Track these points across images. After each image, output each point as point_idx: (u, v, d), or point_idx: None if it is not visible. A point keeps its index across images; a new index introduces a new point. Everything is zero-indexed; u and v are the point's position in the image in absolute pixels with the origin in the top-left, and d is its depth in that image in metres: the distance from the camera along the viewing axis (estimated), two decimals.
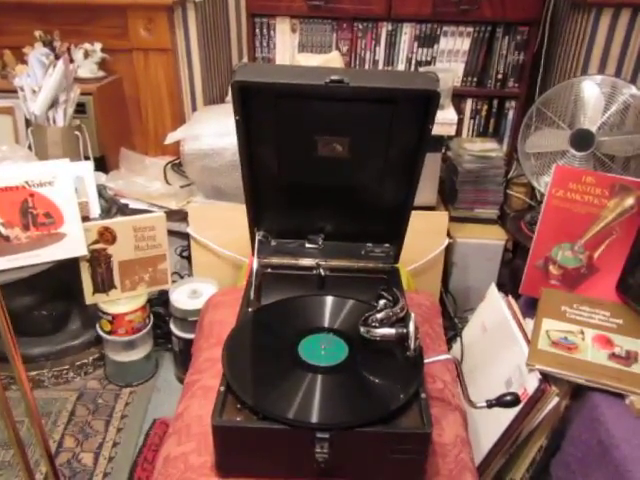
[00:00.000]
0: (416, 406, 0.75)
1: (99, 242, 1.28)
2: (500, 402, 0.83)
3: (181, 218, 1.54)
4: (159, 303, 1.59)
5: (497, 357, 1.20)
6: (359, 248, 1.08)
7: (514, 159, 1.83)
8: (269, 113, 0.87)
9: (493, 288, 1.34)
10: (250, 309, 0.93)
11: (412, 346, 0.79)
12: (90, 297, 1.33)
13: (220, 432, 0.72)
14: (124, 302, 1.36)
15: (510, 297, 1.32)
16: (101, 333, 1.38)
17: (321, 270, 1.04)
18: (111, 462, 1.25)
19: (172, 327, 1.41)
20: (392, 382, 0.78)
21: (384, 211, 1.02)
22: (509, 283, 1.61)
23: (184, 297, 1.39)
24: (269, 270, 1.06)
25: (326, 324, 0.89)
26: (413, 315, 0.81)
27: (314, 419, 0.71)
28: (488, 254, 1.64)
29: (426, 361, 0.81)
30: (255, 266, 1.03)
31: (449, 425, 0.86)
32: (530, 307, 1.32)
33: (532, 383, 1.06)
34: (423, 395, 0.76)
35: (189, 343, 1.32)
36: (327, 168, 0.94)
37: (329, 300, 0.94)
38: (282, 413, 0.71)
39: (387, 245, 1.08)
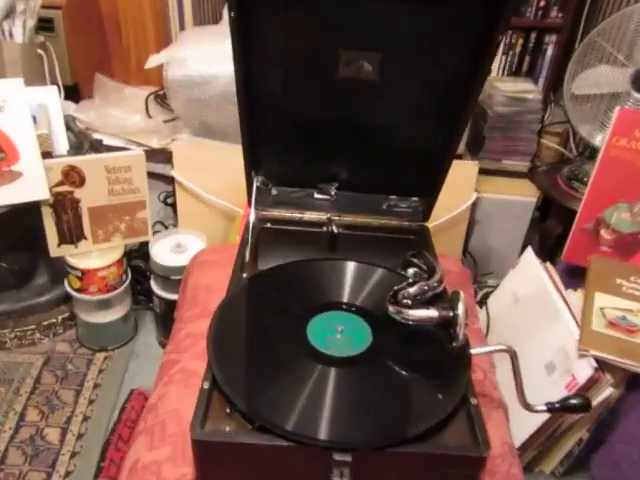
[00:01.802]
0: (464, 415, 0.57)
1: (64, 184, 1.07)
2: (565, 407, 0.65)
3: (165, 159, 1.32)
4: (139, 255, 1.39)
5: (534, 335, 1.02)
6: (380, 201, 0.88)
7: (549, 103, 1.59)
8: (276, 15, 0.65)
9: (529, 253, 1.14)
10: (244, 275, 0.74)
11: (460, 335, 0.59)
12: (55, 249, 1.12)
13: (202, 448, 0.53)
14: (96, 256, 1.16)
15: (549, 264, 1.13)
16: (70, 291, 1.18)
17: (333, 227, 0.84)
18: (80, 439, 1.08)
19: (153, 286, 1.22)
20: (433, 382, 0.59)
21: (417, 156, 0.81)
22: (538, 247, 1.42)
23: (166, 252, 1.19)
24: (268, 225, 0.86)
25: (344, 298, 0.69)
26: (462, 294, 0.61)
27: (330, 435, 0.52)
28: (516, 212, 1.44)
29: (473, 351, 0.63)
30: (252, 219, 0.82)
31: (494, 429, 0.68)
32: (570, 277, 1.14)
33: (584, 371, 0.88)
34: (474, 401, 0.57)
35: (172, 305, 1.12)
36: (348, 95, 0.73)
37: (348, 266, 0.74)
38: (285, 424, 0.52)
39: (415, 199, 0.88)
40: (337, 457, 0.51)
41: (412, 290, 0.66)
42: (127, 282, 1.22)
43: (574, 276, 1.15)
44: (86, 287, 1.16)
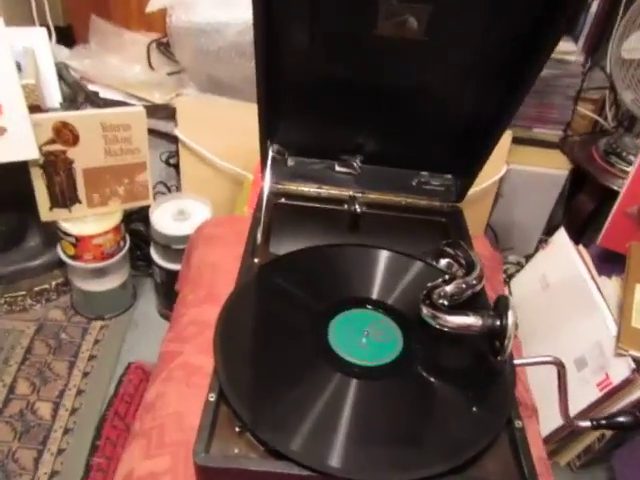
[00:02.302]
0: (506, 439, 0.49)
1: (56, 142, 0.97)
2: (612, 424, 0.58)
3: (168, 115, 1.20)
4: (140, 218, 1.30)
5: (565, 326, 0.94)
6: (410, 177, 0.78)
7: (588, 66, 1.46)
8: None
9: (562, 234, 1.05)
10: (256, 261, 0.65)
11: (508, 348, 0.51)
12: (46, 213, 1.03)
13: (206, 474, 0.46)
14: (92, 221, 1.07)
15: (582, 247, 1.04)
16: (64, 257, 1.10)
17: (356, 205, 0.74)
18: (74, 415, 1.02)
19: (153, 254, 1.13)
20: (474, 401, 0.51)
21: (458, 130, 0.71)
22: (566, 224, 1.32)
23: (168, 219, 1.10)
24: (283, 200, 0.76)
25: (373, 294, 0.60)
26: (511, 300, 0.53)
27: (354, 466, 0.44)
28: (544, 186, 1.34)
29: (517, 362, 0.55)
30: (265, 194, 0.73)
31: (530, 443, 0.61)
32: (605, 262, 1.05)
33: (620, 371, 0.81)
34: (518, 423, 0.50)
35: (173, 275, 1.05)
36: (386, 56, 0.62)
37: (380, 256, 0.65)
38: (300, 450, 0.45)
39: (449, 176, 0.78)
40: None
41: (449, 289, 0.58)
42: (125, 249, 1.14)
43: (608, 261, 1.06)
44: (80, 254, 1.07)
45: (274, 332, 0.56)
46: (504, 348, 0.51)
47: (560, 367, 0.55)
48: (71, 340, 1.15)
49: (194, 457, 0.44)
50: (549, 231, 1.47)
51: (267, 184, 0.72)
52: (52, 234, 1.14)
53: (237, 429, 0.47)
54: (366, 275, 0.62)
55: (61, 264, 1.20)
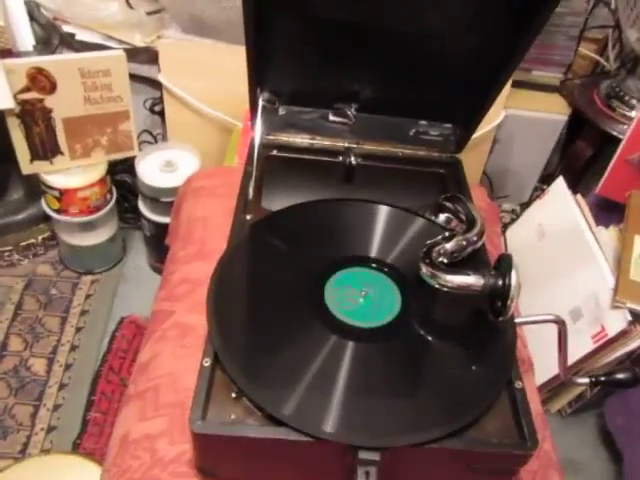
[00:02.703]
0: (507, 401, 0.48)
1: (31, 90, 0.91)
2: (611, 381, 0.57)
3: (150, 59, 1.14)
4: (125, 169, 1.25)
5: (561, 276, 0.94)
6: (408, 127, 0.74)
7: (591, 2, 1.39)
8: None
9: (560, 183, 1.03)
10: (248, 217, 0.62)
11: (510, 310, 0.50)
12: (27, 165, 0.99)
13: (203, 441, 0.45)
14: (75, 173, 1.03)
15: (580, 197, 1.02)
16: (48, 211, 1.06)
17: (351, 157, 0.71)
18: (68, 370, 1.02)
19: (140, 207, 1.10)
20: (475, 361, 0.50)
21: (460, 74, 0.67)
22: (562, 171, 1.29)
23: (155, 170, 1.06)
24: (274, 152, 0.73)
25: (372, 252, 0.58)
26: (514, 260, 0.51)
27: (356, 430, 0.44)
28: (542, 131, 1.30)
29: (518, 321, 0.54)
30: (256, 145, 0.69)
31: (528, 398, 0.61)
32: (603, 211, 1.03)
33: (616, 323, 0.81)
34: (519, 384, 0.49)
35: (163, 228, 1.02)
36: None
37: (378, 211, 0.63)
38: (298, 416, 0.44)
39: (449, 126, 0.74)
40: (363, 456, 0.43)
41: (449, 246, 0.56)
42: (112, 202, 1.10)
43: (606, 210, 1.05)
44: (66, 208, 1.04)
45: (268, 294, 0.54)
46: (506, 309, 0.49)
47: (561, 325, 0.54)
48: (62, 295, 1.13)
49: (190, 425, 0.43)
50: (545, 179, 1.44)
51: (258, 135, 0.68)
52: (36, 187, 1.10)
53: (233, 395, 0.46)
54: (364, 232, 0.60)
55: (47, 218, 1.16)
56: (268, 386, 0.46)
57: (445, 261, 0.55)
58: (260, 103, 0.69)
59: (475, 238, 0.58)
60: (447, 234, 0.57)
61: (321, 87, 0.71)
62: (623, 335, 0.81)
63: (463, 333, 0.52)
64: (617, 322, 0.80)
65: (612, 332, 0.80)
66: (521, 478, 0.51)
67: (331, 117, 0.74)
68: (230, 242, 0.58)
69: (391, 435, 0.44)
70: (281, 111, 0.74)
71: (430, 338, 0.51)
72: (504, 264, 0.51)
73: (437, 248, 0.55)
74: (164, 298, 0.69)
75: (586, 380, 0.57)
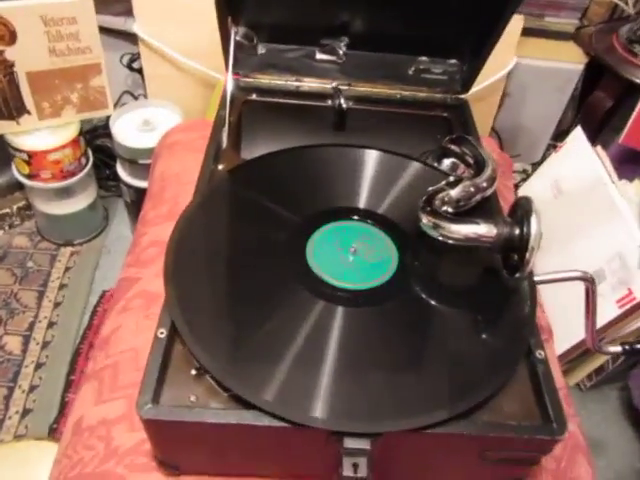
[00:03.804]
0: (526, 374, 0.40)
1: None
2: None
3: (125, 9, 1.04)
4: (106, 133, 1.16)
5: (580, 236, 0.84)
6: (406, 64, 0.65)
7: None
8: None
9: (579, 133, 0.93)
10: (221, 167, 0.53)
11: (530, 264, 0.41)
12: None
13: (157, 429, 0.37)
14: (45, 135, 0.94)
15: (600, 149, 0.92)
16: (19, 177, 0.98)
17: (341, 99, 0.62)
18: (46, 349, 0.95)
19: (119, 171, 1.01)
20: (487, 328, 0.41)
21: (463, 2, 0.57)
22: (582, 126, 1.19)
23: (132, 130, 0.97)
24: (254, 97, 0.64)
25: (361, 203, 0.49)
26: (534, 203, 0.42)
27: (340, 413, 0.36)
28: (557, 82, 1.19)
29: (538, 279, 0.45)
30: (229, 88, 0.60)
31: None
32: (625, 164, 0.93)
33: None
34: (540, 354, 0.40)
35: (144, 193, 0.94)
36: None
37: (367, 157, 0.54)
38: (271, 397, 0.36)
39: (453, 61, 0.65)
40: (350, 444, 0.35)
41: (454, 193, 0.47)
42: (88, 166, 1.02)
43: (629, 162, 0.95)
44: (36, 172, 0.95)
45: (239, 253, 0.45)
46: (524, 263, 0.41)
47: (590, 283, 0.45)
48: (39, 268, 1.06)
49: (138, 410, 0.35)
50: (558, 136, 1.34)
51: (230, 74, 0.59)
52: (4, 152, 1.01)
53: (193, 372, 0.38)
54: (352, 181, 0.51)
55: (21, 186, 1.08)
56: (237, 361, 0.38)
57: (450, 210, 0.46)
58: (232, 37, 0.59)
59: (485, 184, 0.49)
60: (452, 179, 0.48)
61: (306, 20, 0.62)
62: None
63: (472, 295, 0.44)
64: None
65: None
66: (543, 466, 0.43)
67: (318, 55, 0.64)
68: (196, 194, 0.50)
69: (385, 418, 0.36)
70: (260, 49, 0.64)
71: (432, 301, 0.43)
72: (520, 210, 0.42)
73: (440, 195, 0.46)
74: (130, 264, 0.61)
75: (618, 348, 0.49)
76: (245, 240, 0.46)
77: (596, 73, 1.19)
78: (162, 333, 0.39)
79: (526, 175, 1.28)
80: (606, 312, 0.75)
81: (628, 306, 0.73)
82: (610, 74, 1.11)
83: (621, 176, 0.88)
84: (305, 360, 0.38)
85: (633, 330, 0.78)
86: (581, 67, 1.17)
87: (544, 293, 0.66)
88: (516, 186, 1.12)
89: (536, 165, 1.29)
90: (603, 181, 0.83)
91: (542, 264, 0.87)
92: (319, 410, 0.35)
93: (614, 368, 0.88)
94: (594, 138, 1.12)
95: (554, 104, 1.23)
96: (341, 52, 0.64)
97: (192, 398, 0.37)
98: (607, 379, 0.92)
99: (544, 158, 1.31)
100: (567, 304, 0.70)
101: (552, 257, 0.88)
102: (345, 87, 0.63)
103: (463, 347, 0.40)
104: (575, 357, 0.85)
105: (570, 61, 1.18)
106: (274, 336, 0.39)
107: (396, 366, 0.39)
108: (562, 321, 0.74)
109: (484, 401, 0.37)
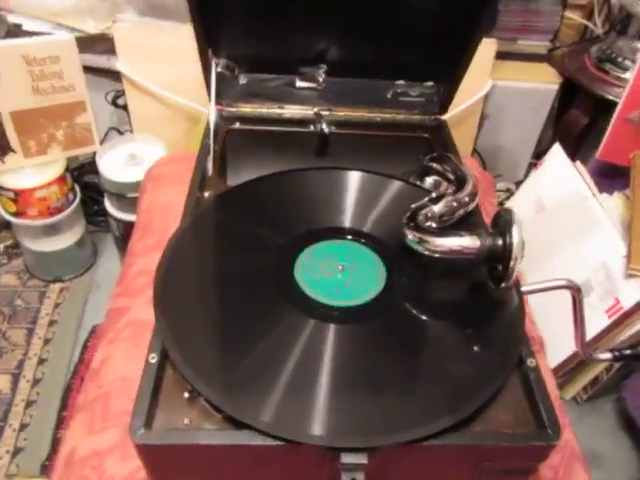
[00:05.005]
0: (518, 383, 0.40)
1: None
2: (637, 354, 0.49)
3: (108, 48, 1.06)
4: (93, 169, 1.17)
5: (565, 249, 0.86)
6: (384, 88, 0.67)
7: None
8: None
9: (557, 150, 0.96)
10: (207, 194, 0.54)
11: (514, 272, 0.42)
12: None
13: (151, 454, 0.37)
14: (31, 173, 0.94)
15: (579, 164, 0.95)
16: (5, 215, 0.98)
17: (323, 124, 0.63)
18: (37, 386, 0.93)
19: (107, 206, 1.02)
20: (476, 339, 0.42)
21: (435, 24, 0.59)
22: (560, 143, 1.22)
23: (118, 165, 0.98)
24: (237, 125, 0.65)
25: (345, 223, 0.50)
26: (515, 213, 0.43)
27: (336, 430, 0.36)
28: (533, 103, 1.23)
29: (525, 289, 0.45)
30: (212, 118, 0.62)
31: None
32: (603, 178, 0.96)
33: (632, 294, 0.73)
34: (531, 362, 0.41)
35: (132, 227, 0.94)
36: None
37: (350, 178, 0.55)
38: (265, 416, 0.36)
39: (430, 84, 0.67)
40: (347, 459, 0.35)
41: (437, 208, 0.48)
42: (75, 203, 1.02)
43: (606, 176, 0.97)
44: (23, 210, 0.96)
45: (228, 276, 0.46)
46: (509, 272, 0.41)
47: (575, 291, 0.45)
48: (27, 306, 1.05)
49: (132, 435, 0.35)
50: (538, 155, 1.37)
51: (213, 105, 0.61)
52: None
53: (186, 395, 0.38)
54: (337, 202, 0.52)
55: (8, 225, 1.08)
56: (229, 383, 0.38)
57: (433, 225, 0.47)
58: (214, 68, 0.61)
59: (467, 199, 0.50)
60: (434, 195, 0.49)
61: (284, 49, 0.64)
62: (638, 307, 0.73)
63: (460, 307, 0.44)
64: (633, 293, 0.72)
65: (628, 304, 0.73)
66: (541, 476, 0.43)
67: (298, 83, 0.66)
68: (183, 221, 0.50)
69: (380, 433, 0.36)
70: (242, 79, 0.66)
71: (421, 315, 0.43)
72: (502, 220, 0.43)
73: (424, 211, 0.47)
74: (120, 294, 0.61)
75: (608, 355, 0.49)
76: (233, 263, 0.47)
77: (570, 92, 1.22)
78: (153, 358, 0.39)
79: (510, 194, 1.30)
80: (596, 322, 0.76)
81: (616, 315, 0.74)
82: (584, 92, 1.14)
83: (600, 190, 0.90)
84: (298, 378, 0.38)
85: (625, 339, 0.78)
86: (556, 87, 1.21)
87: (535, 307, 0.67)
88: (501, 204, 1.14)
89: (519, 184, 1.31)
90: (584, 195, 0.85)
91: (529, 278, 0.88)
92: (314, 427, 0.35)
93: (609, 378, 0.88)
94: (573, 155, 1.15)
95: (532, 124, 1.26)
96: (320, 79, 0.66)
97: (185, 421, 0.37)
98: (602, 391, 0.92)
99: (526, 176, 1.33)
100: (558, 317, 0.70)
101: (538, 271, 0.89)
102: (326, 112, 0.65)
103: (454, 359, 0.41)
104: (569, 370, 0.85)
105: (545, 82, 1.22)
106: (266, 356, 0.40)
107: (389, 381, 0.39)
108: (554, 334, 0.74)
109: (477, 411, 0.38)
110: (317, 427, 0.35)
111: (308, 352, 0.40)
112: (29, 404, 0.91)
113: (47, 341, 1.00)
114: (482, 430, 0.37)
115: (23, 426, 0.88)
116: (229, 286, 0.44)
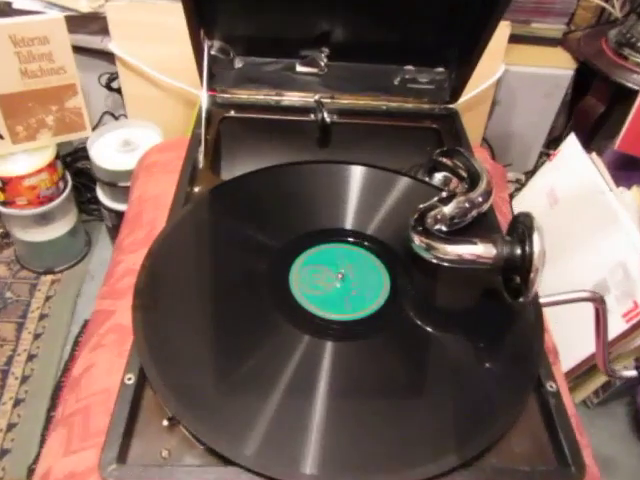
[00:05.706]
0: (536, 408, 0.36)
1: None
2: None
3: (100, 28, 1.00)
4: (86, 155, 1.12)
5: (580, 246, 0.81)
6: (391, 74, 0.62)
7: None
8: None
9: (572, 141, 0.90)
10: (197, 189, 0.50)
11: (534, 286, 0.37)
12: None
13: None
14: (20, 160, 0.90)
15: (595, 155, 0.89)
16: None
17: (324, 113, 0.58)
18: (25, 383, 0.90)
19: (99, 194, 0.97)
20: (490, 358, 0.38)
21: (450, 4, 0.54)
22: (574, 132, 1.16)
23: (111, 151, 0.93)
24: (232, 113, 0.60)
25: (347, 224, 0.46)
26: (536, 220, 0.38)
27: (331, 466, 0.32)
28: (546, 88, 1.17)
29: (544, 301, 0.41)
30: (204, 105, 0.57)
31: None
32: (621, 171, 0.90)
33: None
34: (551, 386, 0.37)
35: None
36: None
37: (353, 173, 0.50)
38: (250, 452, 0.32)
39: (440, 70, 0.62)
40: None
41: (448, 209, 0.43)
42: (67, 191, 0.98)
43: (624, 169, 0.92)
44: (12, 199, 0.91)
45: (216, 284, 0.41)
46: (529, 285, 0.37)
47: (599, 304, 0.41)
48: (17, 298, 1.01)
49: (101, 471, 0.31)
50: (550, 144, 1.31)
51: (205, 90, 0.56)
52: None
53: (165, 422, 0.34)
54: (338, 200, 0.47)
55: None
56: (213, 411, 0.34)
57: (443, 229, 0.42)
58: (206, 51, 0.56)
59: (480, 199, 0.45)
60: (445, 195, 0.45)
61: (283, 31, 0.59)
62: None
63: (472, 323, 0.40)
64: None
65: None
66: None
67: (298, 68, 0.61)
68: (169, 222, 0.46)
69: (381, 471, 0.32)
70: (237, 63, 0.61)
71: (429, 330, 0.39)
72: (521, 226, 0.39)
73: (432, 213, 0.43)
74: (104, 295, 0.56)
75: (634, 373, 0.45)
76: (222, 271, 0.42)
77: (586, 78, 1.17)
78: (130, 379, 0.35)
79: (520, 185, 1.25)
80: (613, 327, 0.72)
81: (635, 320, 0.70)
82: (600, 79, 1.09)
83: (617, 183, 0.85)
84: (290, 408, 0.34)
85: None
86: (571, 72, 1.15)
87: (545, 308, 0.62)
88: (510, 196, 1.09)
89: (529, 174, 1.26)
90: (601, 189, 0.80)
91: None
92: (307, 465, 0.31)
93: (622, 383, 0.84)
94: (587, 144, 1.10)
95: (545, 111, 1.21)
96: (322, 64, 0.61)
97: (164, 453, 0.33)
98: (614, 395, 0.88)
99: (537, 167, 1.28)
100: (571, 319, 0.66)
101: (551, 268, 0.84)
102: (328, 100, 0.60)
103: (466, 384, 0.36)
104: (581, 374, 0.81)
105: (559, 67, 1.16)
106: (255, 380, 0.35)
107: (391, 410, 0.35)
108: (566, 336, 0.70)
109: (492, 443, 0.33)
110: (310, 465, 0.31)
111: (301, 376, 0.36)
112: (17, 402, 0.88)
113: (37, 336, 0.96)
114: (498, 466, 0.33)
115: (11, 426, 0.85)
116: (216, 299, 0.40)
